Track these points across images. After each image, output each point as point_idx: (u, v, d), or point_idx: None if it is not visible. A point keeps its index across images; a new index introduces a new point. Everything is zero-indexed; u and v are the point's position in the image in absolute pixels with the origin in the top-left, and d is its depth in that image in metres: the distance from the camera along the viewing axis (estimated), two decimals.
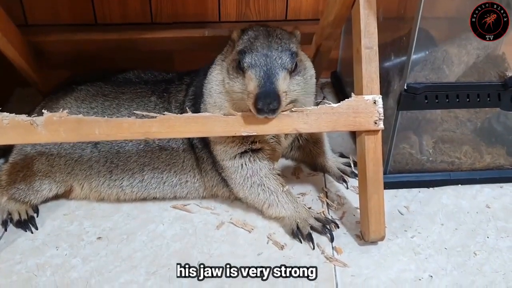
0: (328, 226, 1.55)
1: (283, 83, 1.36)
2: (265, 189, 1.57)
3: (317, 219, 1.57)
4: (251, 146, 1.55)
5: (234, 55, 1.46)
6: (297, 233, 1.54)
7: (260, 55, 1.37)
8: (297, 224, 1.55)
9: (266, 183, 1.57)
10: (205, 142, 1.59)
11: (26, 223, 1.58)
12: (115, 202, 1.68)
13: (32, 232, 1.56)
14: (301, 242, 1.53)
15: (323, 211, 1.64)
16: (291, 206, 1.56)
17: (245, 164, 1.56)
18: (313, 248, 1.50)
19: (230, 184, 1.61)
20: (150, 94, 1.68)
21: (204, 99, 1.53)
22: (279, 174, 1.61)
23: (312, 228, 1.55)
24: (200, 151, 1.62)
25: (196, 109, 1.57)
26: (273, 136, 1.59)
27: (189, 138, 1.61)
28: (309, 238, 1.52)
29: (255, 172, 1.56)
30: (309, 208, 1.63)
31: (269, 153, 1.60)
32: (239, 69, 1.40)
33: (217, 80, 1.50)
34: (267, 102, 1.30)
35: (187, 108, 1.56)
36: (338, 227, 1.58)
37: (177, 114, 1.58)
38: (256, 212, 1.63)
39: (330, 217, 1.62)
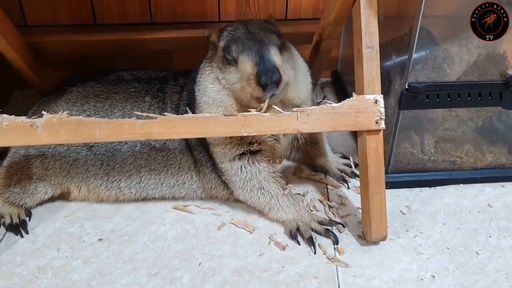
0: (331, 230, 1.54)
1: (277, 58, 1.38)
2: (265, 192, 1.56)
3: (320, 222, 1.56)
4: (249, 148, 1.55)
5: (219, 53, 1.47)
6: (295, 235, 1.53)
7: (245, 40, 1.41)
8: (298, 227, 1.54)
9: (266, 187, 1.56)
10: (204, 145, 1.58)
11: (18, 227, 1.57)
12: (115, 202, 1.68)
13: (22, 236, 1.56)
14: (299, 244, 1.52)
15: (327, 213, 1.63)
16: (293, 209, 1.56)
17: (244, 167, 1.55)
18: (315, 252, 1.49)
19: (231, 187, 1.60)
20: (144, 94, 1.66)
21: (198, 101, 1.52)
22: (280, 177, 1.60)
23: (315, 231, 1.54)
24: (198, 153, 1.61)
25: (192, 112, 1.56)
26: (271, 135, 1.59)
27: (186, 140, 1.60)
28: (310, 242, 1.51)
29: (254, 175, 1.55)
30: (312, 211, 1.63)
31: (268, 154, 1.59)
32: (229, 61, 1.42)
33: (210, 79, 1.49)
34: (268, 75, 1.32)
35: (187, 109, 1.56)
36: (344, 227, 1.58)
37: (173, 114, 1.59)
38: (257, 212, 1.63)
39: (335, 219, 1.61)
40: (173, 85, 1.69)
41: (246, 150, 1.55)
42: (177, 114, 1.55)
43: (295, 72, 1.48)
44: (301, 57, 1.59)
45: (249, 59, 1.37)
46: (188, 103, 1.59)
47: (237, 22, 1.50)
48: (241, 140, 1.52)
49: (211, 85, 1.49)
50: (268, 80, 1.32)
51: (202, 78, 1.52)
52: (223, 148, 1.54)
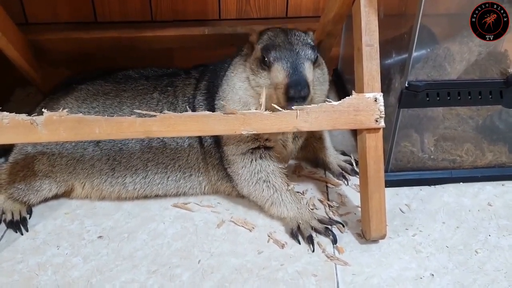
0: (331, 228, 1.54)
1: (310, 73, 1.41)
2: (270, 185, 1.57)
3: (320, 221, 1.56)
4: (265, 143, 1.57)
5: (256, 53, 1.49)
6: (296, 234, 1.53)
7: (283, 49, 1.43)
8: (299, 225, 1.54)
9: (272, 180, 1.57)
10: (216, 136, 1.59)
11: (18, 224, 1.57)
12: (116, 200, 1.68)
13: (22, 234, 1.56)
14: (300, 243, 1.53)
15: (327, 212, 1.64)
16: (294, 206, 1.56)
17: (255, 160, 1.57)
18: (313, 251, 1.49)
19: (235, 180, 1.61)
20: (152, 90, 1.67)
21: (224, 95, 1.53)
22: (286, 174, 1.61)
23: (315, 230, 1.54)
24: (209, 145, 1.62)
25: (209, 103, 1.58)
26: (280, 138, 1.60)
27: None
28: (310, 240, 1.51)
29: (263, 168, 1.57)
30: (312, 209, 1.63)
31: (277, 154, 1.61)
32: (263, 65, 1.44)
33: (241, 77, 1.51)
34: (298, 89, 1.34)
35: (193, 105, 1.57)
36: (344, 226, 1.58)
37: (185, 108, 1.60)
38: (257, 210, 1.63)
39: (335, 218, 1.61)
40: (185, 78, 1.70)
41: (262, 145, 1.56)
42: (192, 106, 1.59)
43: (322, 87, 1.52)
44: (328, 72, 1.61)
45: (283, 68, 1.39)
46: (206, 92, 1.61)
47: (278, 28, 1.53)
48: (258, 135, 1.54)
49: (241, 83, 1.51)
50: (296, 93, 1.34)
51: (234, 74, 1.54)
52: (238, 141, 1.55)
